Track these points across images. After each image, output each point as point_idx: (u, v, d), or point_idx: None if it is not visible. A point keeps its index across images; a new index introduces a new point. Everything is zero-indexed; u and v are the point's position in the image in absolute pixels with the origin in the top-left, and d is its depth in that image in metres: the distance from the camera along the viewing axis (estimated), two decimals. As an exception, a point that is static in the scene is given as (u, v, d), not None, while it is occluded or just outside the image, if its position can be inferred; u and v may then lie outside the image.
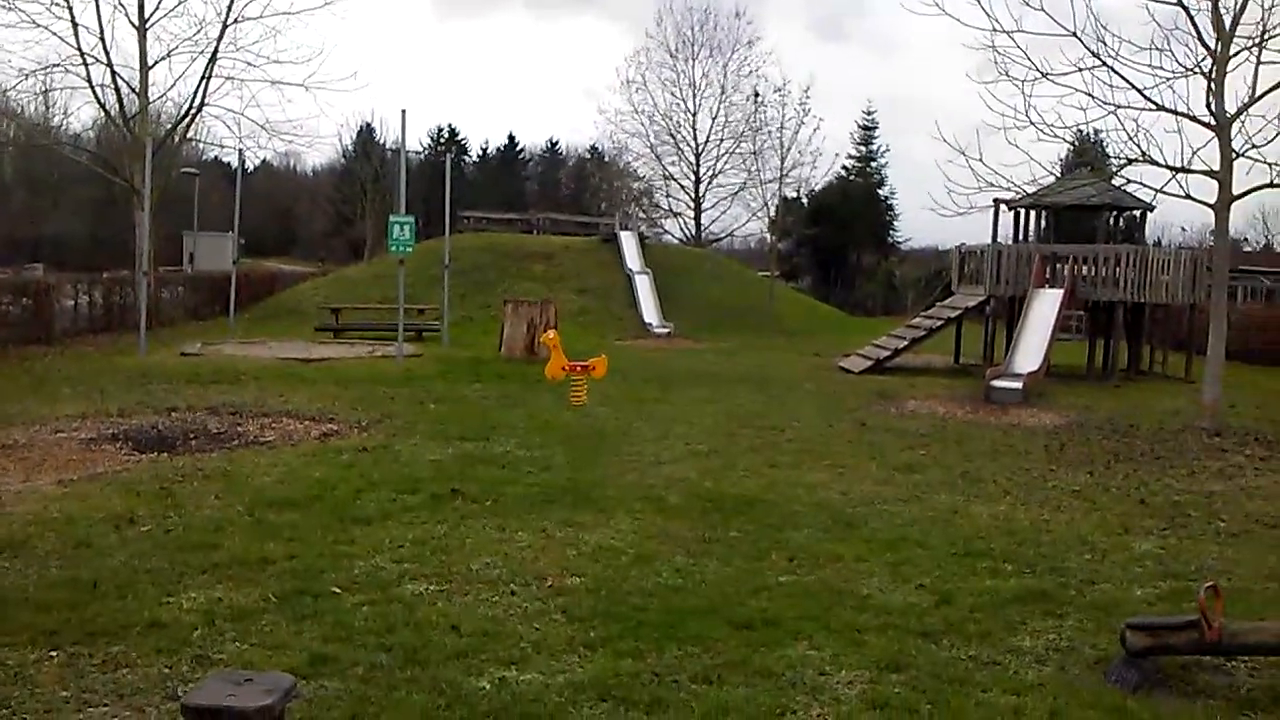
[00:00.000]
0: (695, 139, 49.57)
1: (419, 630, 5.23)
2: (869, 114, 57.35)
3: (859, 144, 56.63)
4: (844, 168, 54.77)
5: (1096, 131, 27.98)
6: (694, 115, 49.34)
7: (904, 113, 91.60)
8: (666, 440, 11.22)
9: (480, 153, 73.16)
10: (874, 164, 56.77)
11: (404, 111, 19.37)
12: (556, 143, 74.14)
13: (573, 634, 5.26)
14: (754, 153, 43.62)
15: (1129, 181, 15.60)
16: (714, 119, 49.17)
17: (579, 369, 13.99)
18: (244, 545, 6.62)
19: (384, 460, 9.60)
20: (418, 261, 27.60)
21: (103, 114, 27.50)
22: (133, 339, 19.63)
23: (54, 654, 4.80)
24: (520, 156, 73.88)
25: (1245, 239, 68.85)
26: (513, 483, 8.75)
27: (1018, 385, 15.64)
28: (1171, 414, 14.41)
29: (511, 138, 72.74)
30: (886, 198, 56.21)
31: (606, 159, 57.51)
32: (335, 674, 4.67)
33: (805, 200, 51.03)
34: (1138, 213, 22.57)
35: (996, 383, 15.78)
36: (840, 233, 50.94)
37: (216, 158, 50.14)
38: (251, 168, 49.01)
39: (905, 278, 50.90)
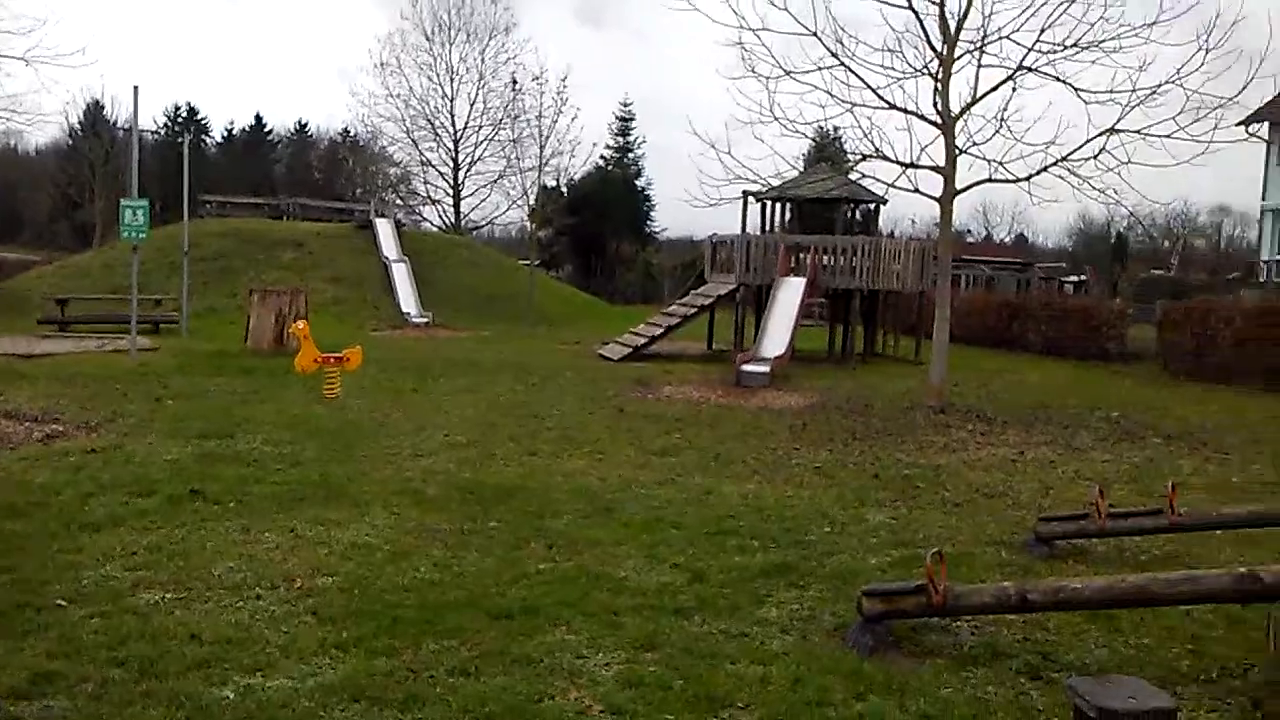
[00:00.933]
0: (454, 125, 48.95)
1: (155, 641, 4.92)
2: (626, 105, 58.45)
3: (617, 134, 57.59)
4: (602, 158, 55.61)
5: (836, 128, 29.65)
6: (452, 101, 48.73)
7: (661, 105, 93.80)
8: (424, 432, 11.04)
9: (225, 134, 69.38)
10: (631, 154, 57.85)
11: (136, 88, 18.05)
12: (306, 125, 71.33)
13: (324, 636, 5.09)
14: (513, 140, 43.48)
15: (864, 176, 16.55)
16: (472, 105, 48.71)
17: (332, 360, 13.54)
18: (-48, 561, 6.02)
19: (115, 461, 8.95)
20: (155, 249, 25.96)
21: None
22: None
23: None
24: (268, 139, 70.53)
25: (969, 230, 74.95)
26: (259, 481, 8.37)
27: (765, 369, 16.34)
28: (903, 394, 15.44)
29: (258, 118, 69.40)
30: (644, 188, 57.41)
31: (361, 143, 55.88)
32: (62, 691, 4.33)
33: (565, 189, 51.38)
34: (872, 205, 24.04)
35: (746, 367, 16.42)
36: (599, 222, 51.59)
37: (-78, 136, 45.25)
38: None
39: (663, 266, 52.16)
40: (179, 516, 7.21)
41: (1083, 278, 45.81)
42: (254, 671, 4.61)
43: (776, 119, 13.45)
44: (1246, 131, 30.02)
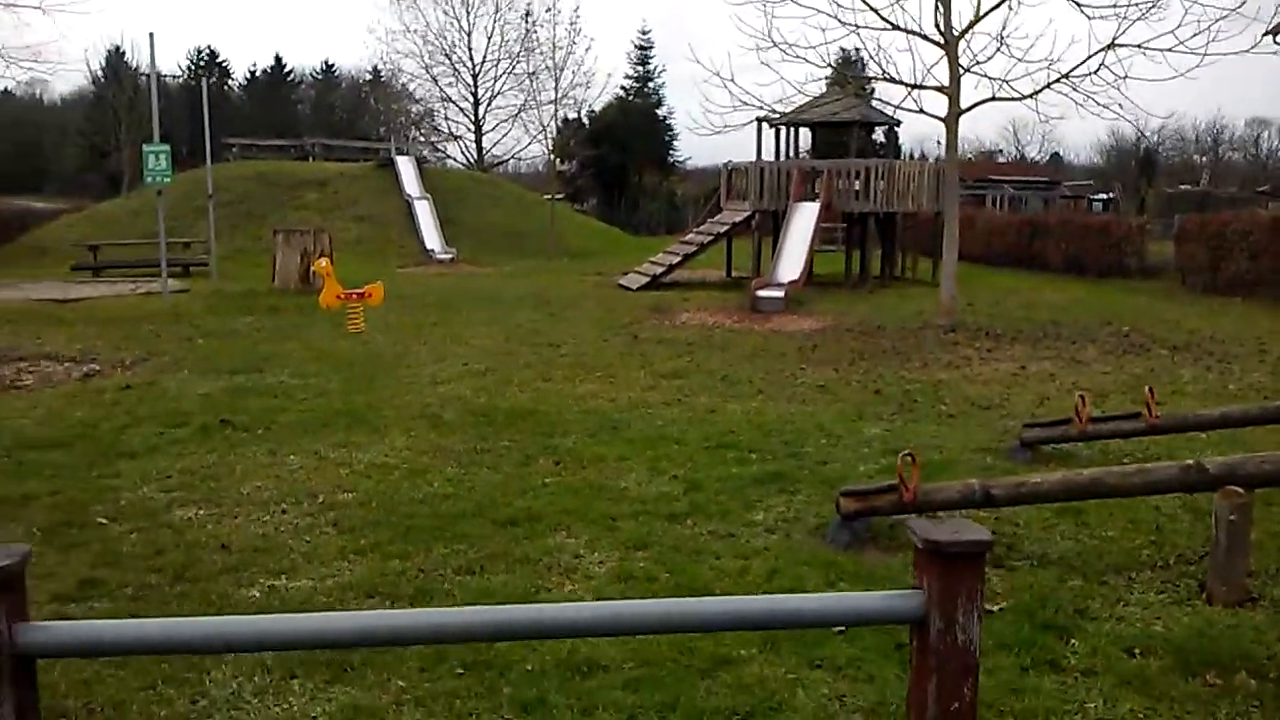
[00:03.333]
0: (471, 59, 48.72)
1: (189, 551, 5.38)
2: (644, 34, 57.92)
3: (636, 64, 57.18)
4: (623, 88, 55.31)
5: (856, 50, 29.38)
6: (469, 34, 48.40)
7: (683, 31, 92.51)
8: (444, 362, 11.45)
9: (248, 76, 69.49)
10: (651, 84, 57.45)
11: (151, 34, 18.29)
12: (332, 65, 71.25)
13: (343, 544, 5.53)
14: (530, 74, 43.33)
15: (872, 95, 16.58)
16: (489, 38, 48.40)
17: (355, 296, 13.94)
18: (3, 486, 6.51)
19: (150, 396, 9.43)
20: (181, 193, 26.40)
21: None
22: None
23: None
24: (289, 79, 70.58)
25: (999, 149, 73.88)
26: (285, 410, 8.82)
27: (779, 294, 16.61)
28: (915, 314, 15.66)
29: (278, 59, 69.39)
30: (665, 117, 57.10)
31: (383, 80, 55.79)
32: (104, 595, 4.79)
33: (586, 121, 51.23)
34: (887, 128, 23.98)
35: (761, 293, 16.68)
36: (621, 153, 51.50)
37: (-54, 87, 45.71)
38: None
39: (687, 196, 52.07)
40: (210, 444, 7.68)
41: (1111, 195, 45.31)
42: (279, 575, 5.06)
43: (775, 44, 13.55)
44: (1275, 41, 29.56)
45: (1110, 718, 3.65)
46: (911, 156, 45.68)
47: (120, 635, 2.50)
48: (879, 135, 30.03)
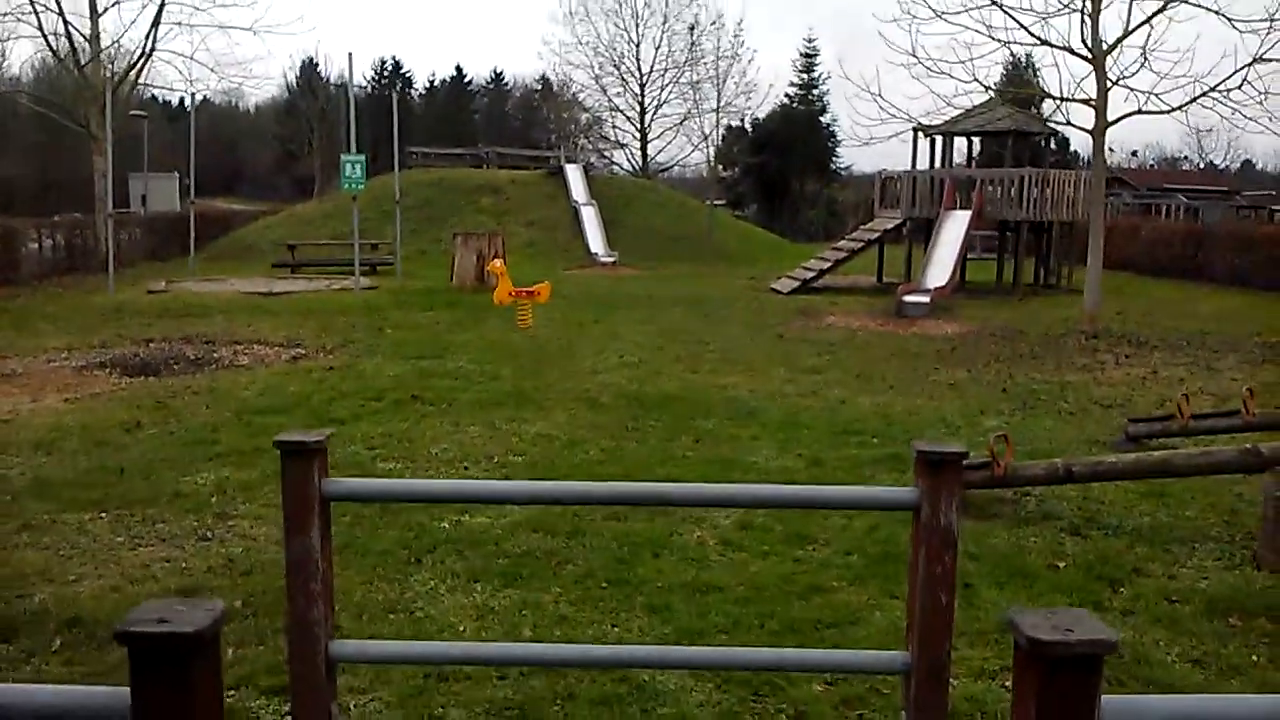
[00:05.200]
0: (639, 69, 50.31)
1: (391, 494, 6.59)
2: (810, 41, 58.45)
3: (801, 71, 57.66)
4: (786, 95, 55.94)
5: (1028, 57, 29.34)
6: (637, 45, 50.00)
7: (847, 40, 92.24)
8: (602, 354, 12.57)
9: (427, 85, 73.37)
10: (815, 91, 57.85)
11: (350, 54, 20.37)
12: (501, 74, 74.45)
13: (514, 494, 6.64)
14: (694, 84, 44.57)
15: (1040, 102, 16.86)
16: (657, 49, 49.90)
17: (524, 294, 15.25)
18: (239, 440, 7.92)
19: (350, 376, 10.87)
20: (369, 198, 28.47)
21: (54, 59, 27.86)
22: (98, 279, 20.55)
23: (103, 515, 6.12)
24: (468, 89, 74.08)
25: (1184, 156, 71.02)
26: (465, 390, 10.09)
27: (925, 299, 17.14)
28: (1060, 322, 15.98)
29: (459, 69, 72.94)
30: (828, 125, 57.41)
31: (554, 89, 58.10)
32: (327, 522, 6.01)
33: (750, 128, 52.12)
34: (1051, 135, 24.01)
35: (906, 298, 17.26)
36: (783, 160, 52.18)
37: (154, 96, 50.11)
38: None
39: (847, 203, 52.31)
40: (403, 414, 8.97)
41: (1296, 206, 43.27)
42: (463, 512, 6.19)
43: (919, 61, 14.18)
44: None
45: (1134, 643, 4.39)
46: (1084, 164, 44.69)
47: (390, 489, 4.02)
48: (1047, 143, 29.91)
